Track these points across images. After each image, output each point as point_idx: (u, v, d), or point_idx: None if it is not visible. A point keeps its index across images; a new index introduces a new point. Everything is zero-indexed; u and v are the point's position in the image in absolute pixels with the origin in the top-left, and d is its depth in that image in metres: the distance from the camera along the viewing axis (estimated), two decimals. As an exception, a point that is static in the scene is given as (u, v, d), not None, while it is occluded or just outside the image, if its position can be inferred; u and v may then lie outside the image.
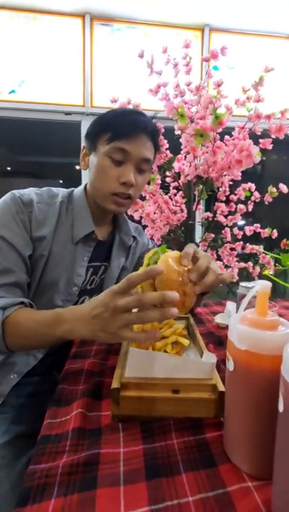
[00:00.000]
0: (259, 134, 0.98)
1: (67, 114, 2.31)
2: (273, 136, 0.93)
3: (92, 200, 0.73)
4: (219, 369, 0.43)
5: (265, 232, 1.48)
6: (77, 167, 3.01)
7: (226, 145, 0.94)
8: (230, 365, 0.33)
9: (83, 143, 0.75)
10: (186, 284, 0.44)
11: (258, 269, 1.42)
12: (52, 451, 0.34)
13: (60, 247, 0.67)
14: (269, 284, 0.32)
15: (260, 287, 0.31)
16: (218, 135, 0.88)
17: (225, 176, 1.07)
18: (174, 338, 0.58)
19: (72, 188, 0.78)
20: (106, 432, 0.37)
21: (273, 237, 1.46)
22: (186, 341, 0.56)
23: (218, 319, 0.75)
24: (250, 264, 1.40)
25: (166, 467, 0.32)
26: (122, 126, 0.65)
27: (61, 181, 3.20)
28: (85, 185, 0.77)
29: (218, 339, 0.66)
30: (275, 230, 1.44)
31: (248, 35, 2.40)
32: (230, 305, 0.76)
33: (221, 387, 0.38)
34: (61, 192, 0.74)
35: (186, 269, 0.45)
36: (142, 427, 0.38)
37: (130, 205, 0.76)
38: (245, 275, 1.43)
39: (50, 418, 0.40)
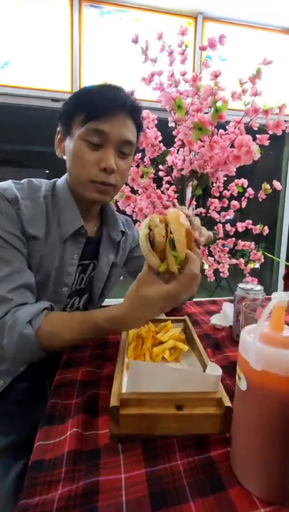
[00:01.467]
0: (256, 129, 0.95)
1: (54, 100, 2.19)
2: (271, 132, 0.91)
3: (74, 190, 0.67)
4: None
5: (257, 229, 1.48)
6: (65, 157, 2.89)
7: (222, 139, 0.91)
8: (242, 385, 0.30)
9: (58, 127, 0.67)
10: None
11: (249, 266, 1.42)
12: (46, 480, 0.31)
13: (50, 247, 0.62)
14: (286, 296, 0.29)
15: (277, 301, 0.29)
16: (215, 129, 0.85)
17: (220, 171, 1.04)
18: (172, 344, 0.55)
19: (55, 179, 0.71)
20: (105, 455, 0.34)
21: (264, 234, 1.45)
22: (184, 347, 0.54)
23: (214, 320, 0.73)
24: (242, 260, 1.39)
25: (172, 494, 0.30)
26: (97, 103, 0.59)
27: (47, 171, 3.09)
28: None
29: (215, 342, 0.64)
30: (266, 227, 1.43)
31: (243, 27, 2.34)
32: (227, 306, 0.74)
33: (227, 402, 0.36)
34: (44, 184, 0.67)
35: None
36: (144, 447, 0.35)
37: (115, 194, 0.69)
38: (233, 269, 1.43)
39: (42, 439, 0.36)
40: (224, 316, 0.73)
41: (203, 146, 0.97)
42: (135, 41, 0.97)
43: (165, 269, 0.47)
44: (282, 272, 3.41)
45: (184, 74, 1.04)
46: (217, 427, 0.36)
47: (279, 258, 3.40)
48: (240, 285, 0.64)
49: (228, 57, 2.27)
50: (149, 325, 0.62)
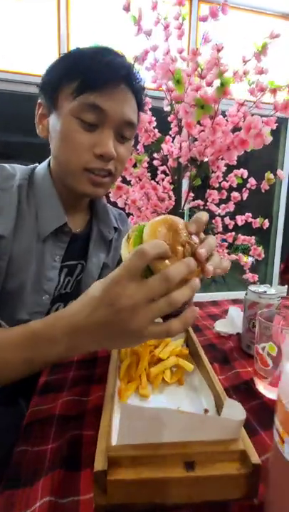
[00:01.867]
0: (261, 110, 0.85)
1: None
2: (279, 115, 0.81)
3: (59, 179, 0.56)
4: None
5: (257, 222, 1.40)
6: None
7: (225, 122, 0.81)
8: (287, 452, 0.21)
9: (39, 99, 0.55)
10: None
11: (250, 261, 1.34)
12: None
13: (23, 246, 0.51)
14: None
15: None
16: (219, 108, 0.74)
17: (222, 159, 0.94)
18: (174, 361, 0.45)
19: (34, 165, 0.60)
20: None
21: (265, 227, 1.38)
22: (189, 366, 0.44)
23: (219, 327, 0.64)
24: (242, 256, 1.31)
25: None
26: (94, 71, 0.46)
27: (37, 165, 2.93)
28: (49, 161, 0.59)
29: (222, 355, 0.55)
30: (266, 220, 1.36)
31: (240, 10, 2.22)
32: (234, 311, 0.65)
33: (255, 458, 0.26)
34: (19, 171, 0.56)
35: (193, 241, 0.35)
36: (141, 523, 0.26)
37: (111, 186, 0.58)
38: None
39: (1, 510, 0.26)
40: (230, 321, 0.64)
41: (203, 131, 0.87)
42: (127, 9, 0.85)
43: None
44: (277, 265, 3.37)
45: (181, 51, 0.93)
46: (241, 491, 0.27)
47: (274, 251, 3.35)
48: (252, 288, 0.54)
49: (224, 42, 2.15)
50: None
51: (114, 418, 0.33)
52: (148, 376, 0.43)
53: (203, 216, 0.38)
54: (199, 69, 0.83)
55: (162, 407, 0.26)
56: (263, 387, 0.44)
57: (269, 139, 0.66)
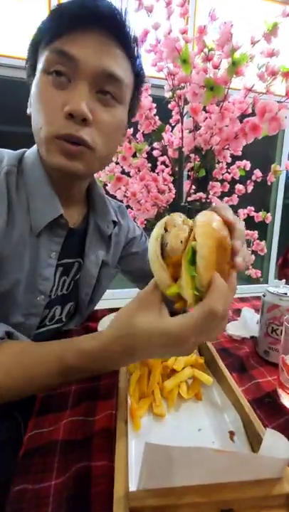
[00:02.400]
0: (272, 96, 0.79)
1: (20, 68, 1.90)
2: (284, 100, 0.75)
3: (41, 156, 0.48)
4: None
5: (259, 216, 1.36)
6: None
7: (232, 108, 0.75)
8: None
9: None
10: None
11: (253, 257, 1.30)
12: None
13: (15, 242, 0.45)
14: None
15: None
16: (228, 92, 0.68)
17: (227, 149, 0.88)
18: (190, 373, 0.41)
19: (23, 150, 0.52)
20: None
21: (267, 222, 1.35)
22: (208, 379, 0.40)
23: (232, 330, 0.59)
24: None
25: None
26: (64, 14, 0.39)
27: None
28: None
29: (239, 362, 0.50)
30: (269, 214, 1.32)
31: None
32: (247, 312, 0.60)
33: (306, 503, 0.22)
34: (6, 156, 0.48)
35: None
36: None
37: (95, 163, 0.46)
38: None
39: None
40: (243, 324, 0.60)
41: (208, 118, 0.81)
42: (126, -19, 0.77)
43: (176, 293, 0.31)
44: (274, 259, 3.36)
45: (184, 32, 0.86)
46: None
47: (271, 245, 3.33)
48: (270, 289, 0.50)
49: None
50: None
51: (130, 448, 0.28)
52: (162, 391, 0.38)
53: (228, 211, 0.34)
54: (206, 49, 0.77)
55: (193, 446, 0.21)
56: (288, 401, 0.40)
57: (286, 123, 0.60)
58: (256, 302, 0.80)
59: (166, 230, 0.31)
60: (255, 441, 0.29)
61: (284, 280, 0.78)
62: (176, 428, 0.33)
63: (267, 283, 3.42)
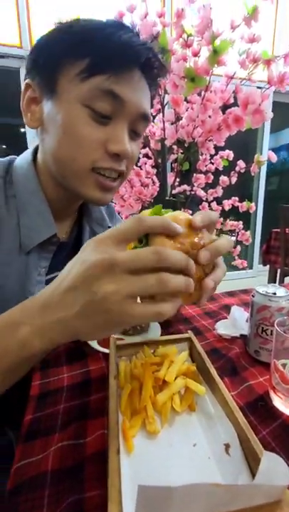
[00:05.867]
0: (255, 84, 0.77)
1: (0, 57, 1.81)
2: (276, 89, 0.73)
3: (50, 179, 0.46)
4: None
5: (244, 206, 1.37)
6: (22, 130, 2.49)
7: (215, 97, 0.72)
8: None
9: (26, 79, 0.44)
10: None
11: (238, 247, 1.31)
12: None
13: (3, 261, 0.42)
14: None
15: None
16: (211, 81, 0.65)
17: (210, 141, 0.86)
18: (182, 384, 0.39)
19: (10, 158, 0.49)
20: None
21: (251, 211, 1.36)
22: (201, 389, 0.39)
23: (221, 329, 0.58)
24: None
25: None
26: (111, 49, 0.37)
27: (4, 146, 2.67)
28: (34, 153, 0.49)
29: (229, 363, 0.49)
30: (253, 204, 1.33)
31: None
32: (237, 311, 0.60)
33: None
34: None
35: (196, 240, 0.30)
36: None
37: (119, 187, 0.50)
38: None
39: None
40: (232, 322, 0.59)
41: (189, 108, 0.78)
42: None
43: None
44: (257, 247, 3.42)
45: (160, 15, 0.81)
46: None
47: (254, 234, 3.39)
48: (259, 289, 0.49)
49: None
50: (145, 351, 0.46)
51: (124, 478, 0.26)
52: (154, 405, 0.37)
53: (213, 214, 0.33)
54: (185, 35, 0.72)
55: (193, 483, 0.20)
56: (280, 404, 0.39)
57: (270, 114, 0.58)
58: (244, 296, 0.81)
59: None
60: (251, 458, 0.28)
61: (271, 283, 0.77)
62: (170, 447, 0.32)
63: (251, 269, 3.50)
